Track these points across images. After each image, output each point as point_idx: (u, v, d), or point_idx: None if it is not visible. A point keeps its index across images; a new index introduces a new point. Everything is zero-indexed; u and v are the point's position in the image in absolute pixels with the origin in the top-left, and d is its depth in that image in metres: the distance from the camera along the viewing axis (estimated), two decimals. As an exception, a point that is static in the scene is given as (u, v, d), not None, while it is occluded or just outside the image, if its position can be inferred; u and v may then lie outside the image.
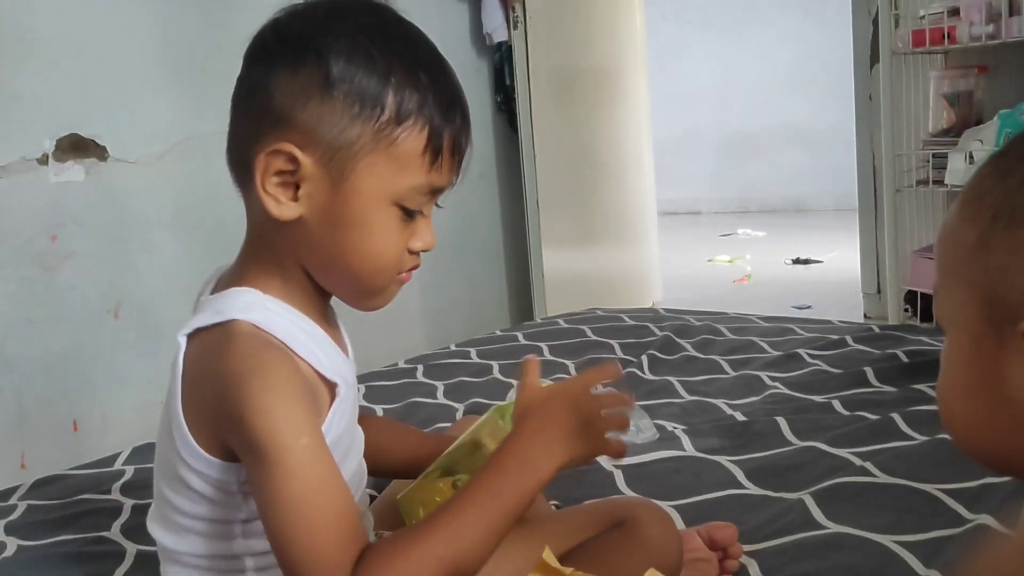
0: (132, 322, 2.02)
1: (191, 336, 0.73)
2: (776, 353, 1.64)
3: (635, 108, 3.33)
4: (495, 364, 1.73)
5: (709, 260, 4.50)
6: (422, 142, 0.72)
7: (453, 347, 1.92)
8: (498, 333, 2.01)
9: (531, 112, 2.85)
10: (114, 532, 1.12)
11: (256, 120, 0.71)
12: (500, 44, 2.95)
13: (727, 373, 1.57)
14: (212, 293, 0.78)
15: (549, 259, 2.89)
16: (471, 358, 1.78)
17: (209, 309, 0.74)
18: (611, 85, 3.21)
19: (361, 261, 0.74)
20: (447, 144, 0.73)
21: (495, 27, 2.90)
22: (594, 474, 1.19)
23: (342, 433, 0.77)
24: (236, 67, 0.75)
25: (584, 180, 3.09)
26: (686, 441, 1.25)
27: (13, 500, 1.28)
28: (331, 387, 0.75)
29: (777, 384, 1.47)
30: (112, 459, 1.42)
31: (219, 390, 0.67)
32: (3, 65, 1.81)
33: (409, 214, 0.74)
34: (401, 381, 1.67)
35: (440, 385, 1.62)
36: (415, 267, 0.78)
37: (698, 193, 6.32)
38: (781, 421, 1.28)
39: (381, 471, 0.96)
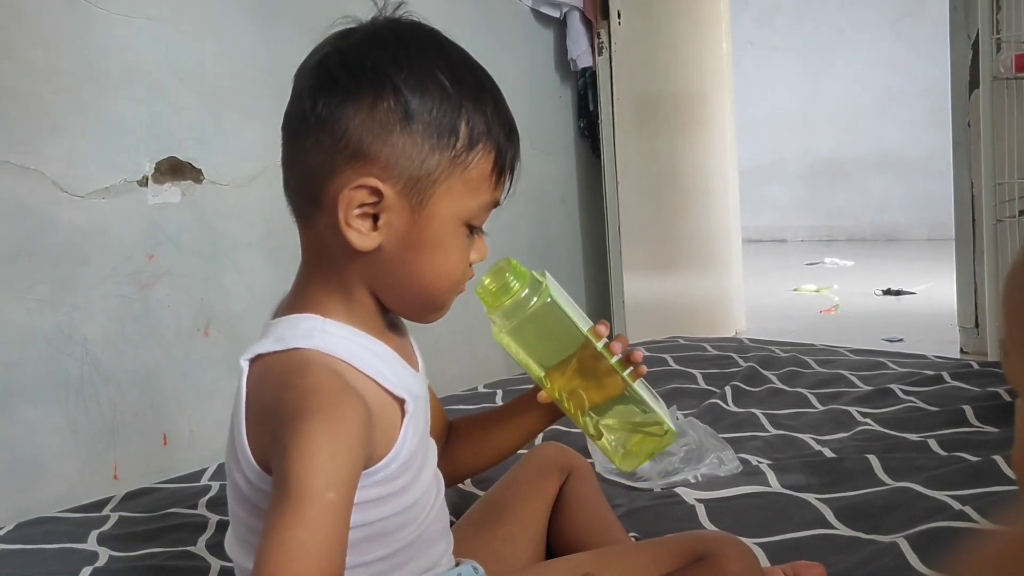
0: (220, 340, 2.08)
1: (253, 360, 0.74)
2: (867, 388, 1.58)
3: (721, 134, 3.29)
4: None
5: (795, 289, 4.39)
6: (490, 163, 0.75)
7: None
8: (578, 359, 1.99)
9: (614, 138, 2.84)
10: (199, 547, 1.15)
11: (330, 154, 0.72)
12: (584, 70, 2.96)
13: (815, 407, 1.52)
14: (273, 318, 0.79)
15: (630, 285, 2.87)
16: (550, 384, 1.77)
17: (271, 335, 0.75)
18: (696, 111, 3.17)
19: (435, 280, 0.76)
20: (509, 162, 0.77)
21: (580, 53, 2.90)
22: (675, 507, 1.16)
23: (416, 448, 0.78)
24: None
25: (667, 206, 3.06)
26: (772, 476, 1.21)
27: (106, 511, 1.33)
28: (400, 403, 0.76)
29: (868, 420, 1.42)
30: (199, 474, 1.46)
31: (279, 416, 0.67)
32: (110, 91, 1.90)
33: (472, 230, 0.77)
34: (480, 406, 1.67)
35: (519, 411, 1.61)
36: (471, 278, 0.81)
37: (784, 221, 6.19)
38: (873, 459, 1.23)
39: (481, 469, 1.00)
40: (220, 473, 1.44)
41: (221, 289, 2.09)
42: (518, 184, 0.80)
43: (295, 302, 0.78)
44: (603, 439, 0.87)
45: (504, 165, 0.76)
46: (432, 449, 0.85)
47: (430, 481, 0.83)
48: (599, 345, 0.85)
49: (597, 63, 2.88)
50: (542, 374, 0.86)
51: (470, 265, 0.79)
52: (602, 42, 2.84)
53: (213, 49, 2.08)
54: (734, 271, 3.42)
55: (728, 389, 1.62)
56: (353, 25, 0.76)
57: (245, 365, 0.74)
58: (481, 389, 1.81)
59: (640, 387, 0.87)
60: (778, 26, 6.05)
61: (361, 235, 0.72)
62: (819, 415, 1.47)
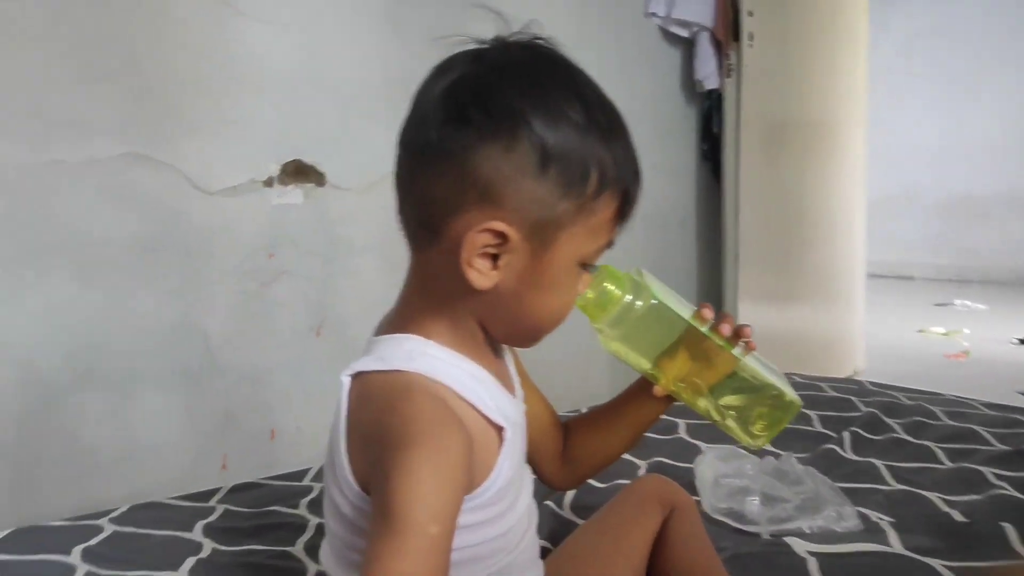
0: (332, 341, 2.12)
1: (354, 377, 0.73)
2: (1003, 447, 1.46)
3: (851, 164, 3.15)
4: (681, 423, 1.66)
5: (920, 331, 4.17)
6: (614, 208, 0.74)
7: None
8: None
9: (738, 162, 2.76)
10: (297, 548, 1.16)
11: (456, 191, 0.70)
12: (710, 92, 2.89)
13: (942, 463, 1.42)
14: (375, 335, 0.78)
15: (745, 315, 2.77)
16: (657, 413, 1.72)
17: (373, 353, 0.74)
18: (826, 138, 3.05)
19: (547, 317, 0.75)
20: (630, 205, 0.75)
21: (707, 74, 2.84)
22: (784, 558, 1.10)
23: (512, 476, 0.76)
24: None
25: (789, 235, 2.95)
26: (893, 536, 1.13)
27: (213, 502, 1.36)
28: (498, 431, 0.75)
29: (1004, 484, 1.31)
30: (302, 474, 1.48)
31: (381, 442, 0.66)
32: (246, 94, 1.96)
33: (586, 268, 0.75)
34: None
35: (623, 438, 1.57)
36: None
37: (912, 257, 5.90)
38: (1008, 528, 1.13)
39: (598, 469, 0.98)
40: (321, 475, 1.46)
41: (336, 292, 2.13)
42: (637, 207, 0.77)
43: (398, 322, 0.77)
44: (726, 420, 0.84)
45: (627, 209, 0.75)
46: (528, 477, 0.84)
47: (524, 510, 0.81)
48: (705, 329, 0.83)
49: (724, 85, 2.81)
50: (654, 369, 0.85)
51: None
52: (731, 64, 2.77)
53: (345, 57, 2.13)
54: (856, 307, 3.27)
55: (847, 435, 1.53)
56: (484, 46, 0.74)
57: (346, 381, 0.73)
58: (584, 412, 1.78)
59: (754, 361, 0.85)
60: (918, 54, 5.79)
61: (481, 275, 0.71)
62: (947, 472, 1.37)
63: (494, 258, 0.71)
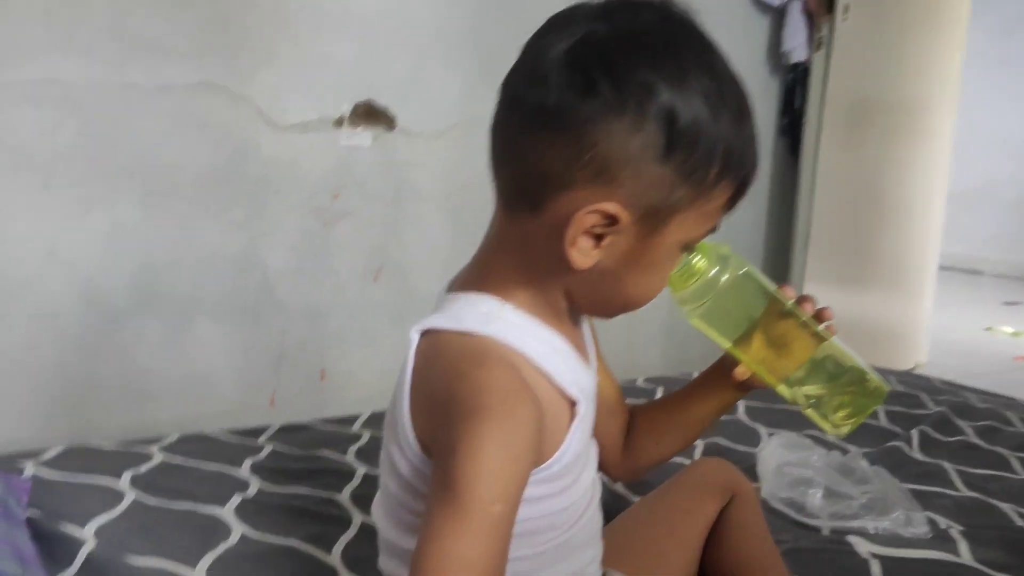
0: (390, 287, 2.10)
1: (424, 333, 0.70)
2: (1082, 463, 1.39)
3: (936, 151, 3.01)
4: (740, 404, 1.61)
5: (987, 328, 4.03)
6: (729, 194, 0.69)
7: (696, 374, 1.81)
8: (746, 369, 1.87)
9: (818, 140, 2.65)
10: (344, 496, 1.14)
11: (571, 165, 0.64)
12: (796, 65, 2.78)
13: (1017, 473, 1.35)
14: (449, 291, 0.74)
15: (809, 298, 2.69)
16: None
17: (446, 311, 0.71)
18: (912, 123, 2.91)
19: (639, 297, 0.71)
20: (744, 192, 0.70)
21: (796, 46, 2.72)
22: (846, 557, 1.05)
23: (580, 451, 0.73)
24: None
25: (863, 220, 2.84)
26: (963, 546, 1.07)
27: (262, 439, 1.35)
28: (571, 404, 0.71)
29: (1082, 502, 1.24)
30: (351, 420, 1.47)
31: (448, 408, 0.63)
32: (324, 31, 1.92)
33: (687, 250, 0.71)
34: (638, 400, 1.60)
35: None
36: None
37: (983, 252, 5.69)
38: (1088, 550, 1.07)
39: (666, 457, 0.93)
40: (372, 422, 1.45)
41: (398, 238, 2.11)
42: None
43: (477, 280, 0.72)
44: (809, 405, 0.80)
45: (740, 195, 0.70)
46: (593, 452, 0.80)
47: (588, 485, 0.78)
48: (789, 304, 0.78)
49: (812, 59, 2.70)
50: (737, 348, 0.80)
51: None
52: (821, 36, 2.65)
53: (425, 1, 2.08)
54: (925, 299, 3.16)
55: (915, 434, 1.47)
56: (610, 1, 0.66)
57: (415, 337, 0.70)
58: (640, 383, 1.74)
59: (839, 343, 0.80)
60: (1016, 40, 5.51)
61: (582, 255, 0.66)
62: (1022, 484, 1.31)
63: (598, 237, 0.66)
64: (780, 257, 2.87)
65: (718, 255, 0.77)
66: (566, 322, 0.75)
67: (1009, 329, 3.99)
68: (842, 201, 2.74)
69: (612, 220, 0.65)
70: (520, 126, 0.66)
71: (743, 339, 0.80)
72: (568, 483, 0.73)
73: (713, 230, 0.71)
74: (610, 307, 0.73)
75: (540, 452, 0.66)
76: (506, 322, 0.69)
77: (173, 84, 1.74)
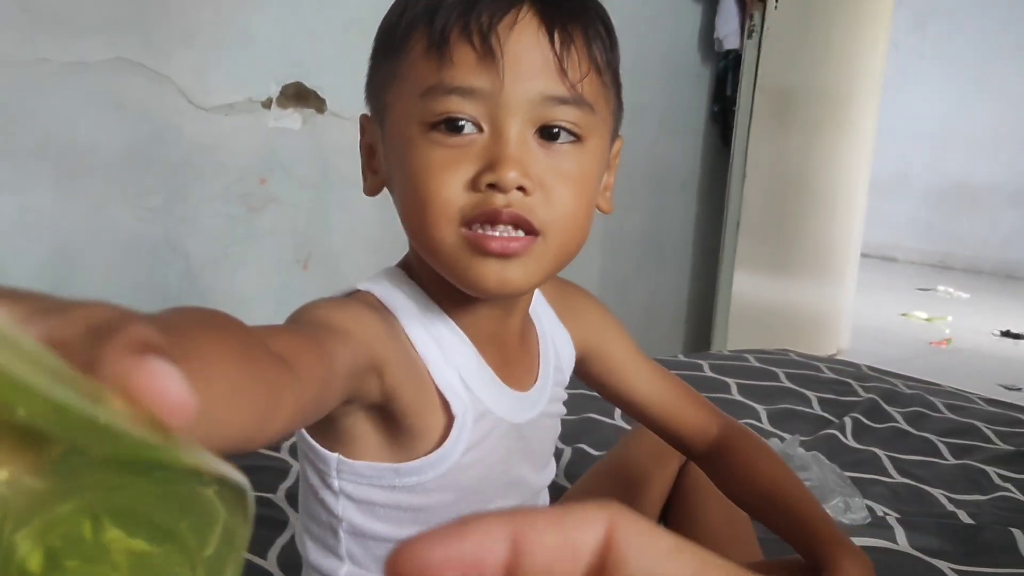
0: (319, 275, 2.04)
1: None
2: (1006, 447, 1.43)
3: (859, 139, 3.08)
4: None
5: (903, 314, 4.16)
6: (425, 37, 0.59)
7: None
8: (681, 358, 1.88)
9: (749, 127, 2.68)
10: (279, 496, 1.09)
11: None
12: (728, 52, 2.79)
13: (945, 459, 1.38)
14: None
15: (739, 284, 2.72)
16: (653, 380, 1.67)
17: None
18: (838, 112, 2.97)
19: (414, 206, 0.60)
20: (439, 28, 0.58)
21: (727, 34, 2.74)
22: (785, 546, 1.05)
23: (484, 476, 0.66)
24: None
25: (790, 207, 2.88)
26: (900, 533, 1.08)
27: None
28: (446, 407, 0.63)
29: (1009, 486, 1.27)
30: (283, 413, 1.41)
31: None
32: (246, 6, 1.84)
33: (452, 128, 0.58)
34: (577, 391, 1.58)
35: (618, 404, 1.51)
36: (496, 213, 0.57)
37: (898, 239, 5.88)
38: (1018, 534, 1.09)
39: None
40: (305, 417, 1.39)
41: (326, 224, 2.05)
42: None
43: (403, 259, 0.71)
44: None
45: (443, 29, 0.58)
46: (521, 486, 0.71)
47: None
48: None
49: (744, 46, 2.72)
50: None
51: (493, 188, 0.57)
52: (753, 25, 2.67)
53: (357, -23, 2.01)
54: (847, 286, 3.23)
55: (848, 421, 1.49)
56: None
57: None
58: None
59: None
60: (930, 33, 5.69)
61: (365, 182, 0.68)
62: (951, 469, 1.34)
63: (373, 167, 0.67)
64: (710, 243, 2.90)
65: None
66: (494, 339, 0.68)
67: (923, 315, 4.12)
68: (771, 188, 2.77)
69: (363, 132, 0.67)
70: None
71: None
72: (443, 515, 0.65)
73: (444, 92, 0.58)
74: (416, 246, 0.64)
75: (375, 361, 0.58)
76: (394, 287, 0.65)
77: (87, 60, 1.64)
